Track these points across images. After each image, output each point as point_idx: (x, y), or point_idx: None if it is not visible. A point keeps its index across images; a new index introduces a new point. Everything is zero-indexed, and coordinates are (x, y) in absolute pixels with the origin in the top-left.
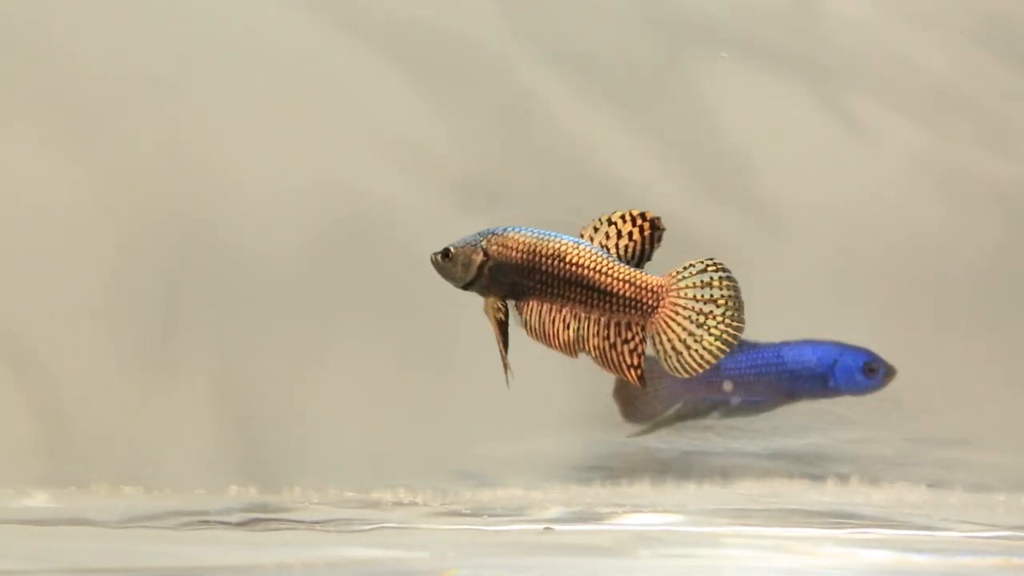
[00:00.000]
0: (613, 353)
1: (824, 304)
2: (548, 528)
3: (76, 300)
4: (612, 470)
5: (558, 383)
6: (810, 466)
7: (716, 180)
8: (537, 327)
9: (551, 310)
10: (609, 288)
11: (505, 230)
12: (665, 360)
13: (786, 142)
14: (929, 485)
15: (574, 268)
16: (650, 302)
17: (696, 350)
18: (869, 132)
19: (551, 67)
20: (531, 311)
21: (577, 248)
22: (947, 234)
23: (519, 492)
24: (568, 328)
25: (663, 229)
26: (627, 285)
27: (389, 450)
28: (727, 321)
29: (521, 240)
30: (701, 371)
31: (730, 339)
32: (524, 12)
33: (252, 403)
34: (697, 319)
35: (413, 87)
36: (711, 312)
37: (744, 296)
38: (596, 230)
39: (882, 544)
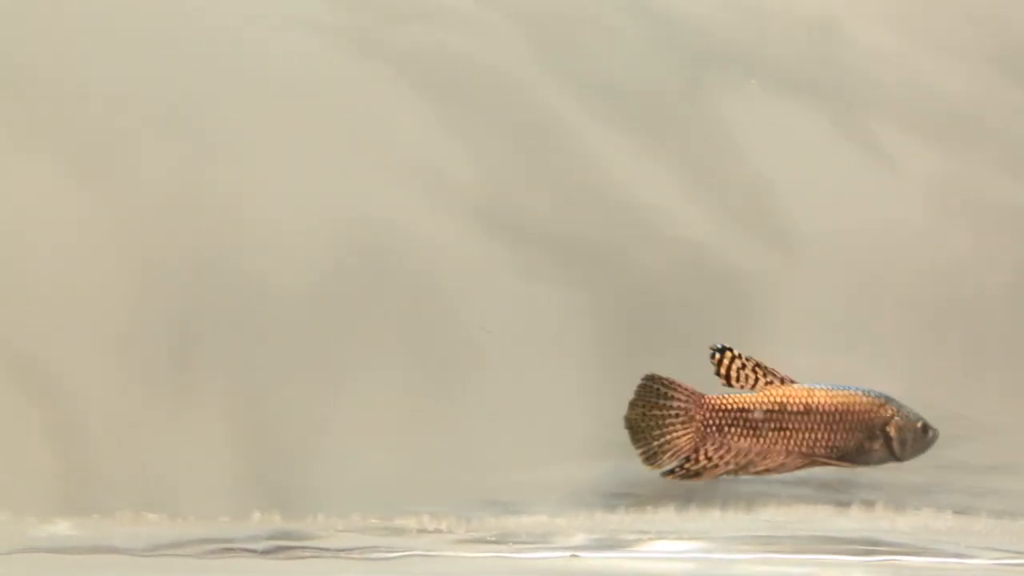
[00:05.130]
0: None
1: (848, 332)
2: (574, 555)
3: (98, 327)
4: (638, 497)
5: (581, 410)
6: (836, 492)
7: (737, 206)
8: None
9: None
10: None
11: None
12: None
13: (808, 168)
14: (956, 512)
15: None
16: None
17: None
18: (890, 158)
19: (574, 93)
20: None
21: None
22: (970, 259)
23: (544, 519)
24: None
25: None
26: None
27: (413, 477)
28: None
29: None
30: None
31: None
32: (547, 38)
33: (276, 430)
34: None
35: (435, 114)
36: None
37: (767, 323)
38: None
39: (910, 571)
